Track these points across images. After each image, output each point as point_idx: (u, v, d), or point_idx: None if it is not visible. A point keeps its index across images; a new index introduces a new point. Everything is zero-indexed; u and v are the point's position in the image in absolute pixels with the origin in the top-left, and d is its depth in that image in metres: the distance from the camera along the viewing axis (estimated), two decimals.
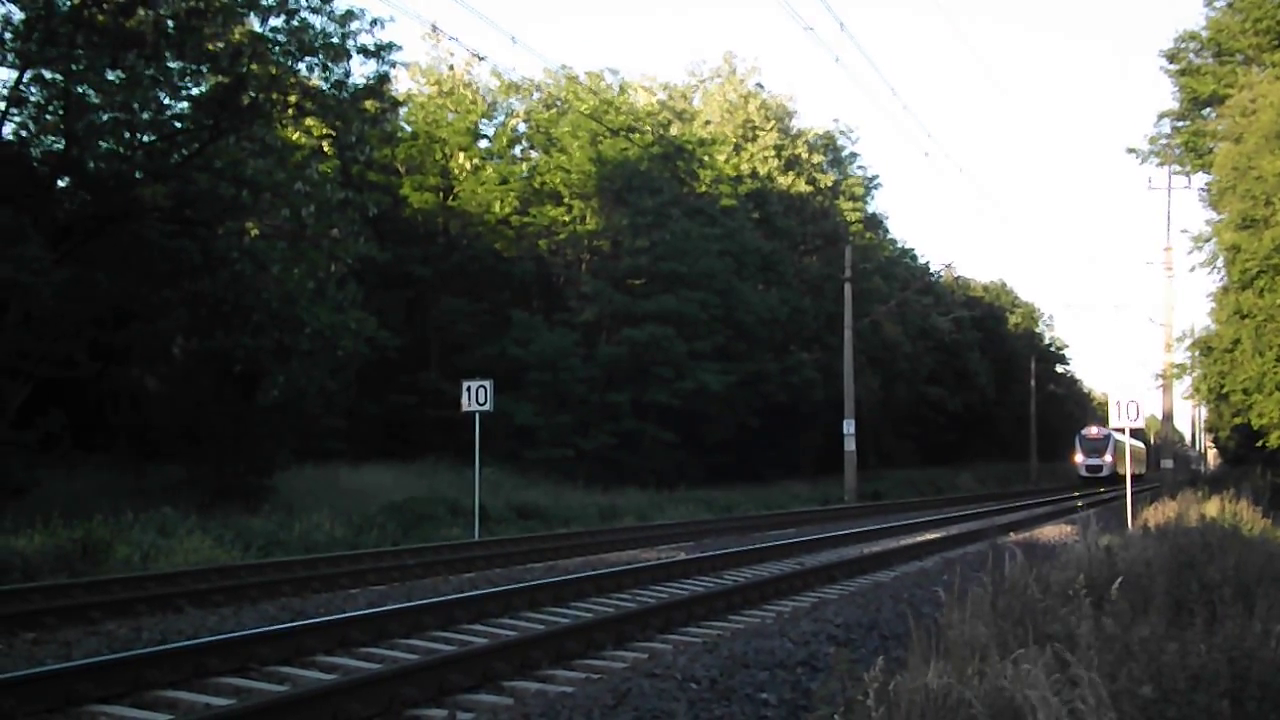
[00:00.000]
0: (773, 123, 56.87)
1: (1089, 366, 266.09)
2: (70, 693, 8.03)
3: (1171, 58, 34.75)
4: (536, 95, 47.84)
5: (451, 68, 46.14)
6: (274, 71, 22.60)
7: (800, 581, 15.85)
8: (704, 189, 48.81)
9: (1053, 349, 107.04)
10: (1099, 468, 70.68)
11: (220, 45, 21.98)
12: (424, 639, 10.90)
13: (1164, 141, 36.82)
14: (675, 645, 10.74)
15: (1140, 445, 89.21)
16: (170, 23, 21.61)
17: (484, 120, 46.44)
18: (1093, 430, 72.53)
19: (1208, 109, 34.47)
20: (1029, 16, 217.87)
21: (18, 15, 20.50)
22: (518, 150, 47.72)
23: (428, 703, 8.42)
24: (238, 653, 9.43)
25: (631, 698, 8.02)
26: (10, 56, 20.52)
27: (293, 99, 23.29)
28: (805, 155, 57.95)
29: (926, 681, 5.40)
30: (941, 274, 71.98)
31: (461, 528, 24.31)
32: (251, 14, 22.29)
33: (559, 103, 46.76)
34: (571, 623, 11.66)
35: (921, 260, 73.73)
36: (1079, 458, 71.78)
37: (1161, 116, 36.59)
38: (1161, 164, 37.98)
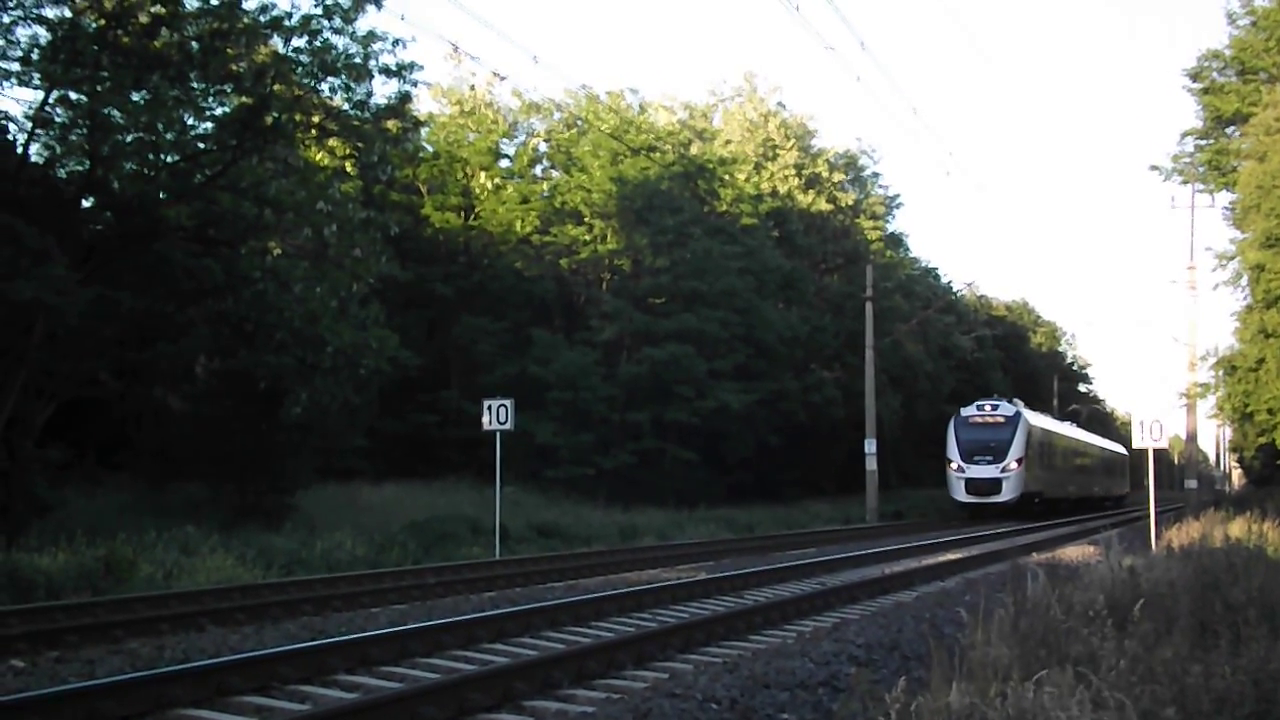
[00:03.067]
0: (793, 141, 56.91)
1: (1112, 386, 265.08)
2: (93, 711, 8.06)
3: (1195, 76, 34.71)
4: (557, 115, 48.01)
5: (473, 88, 46.35)
6: (297, 92, 22.70)
7: (821, 601, 15.79)
8: (724, 208, 48.85)
9: (1075, 368, 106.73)
10: (993, 485, 44.35)
11: (243, 66, 22.09)
12: (445, 658, 10.90)
13: (1187, 160, 36.75)
14: (696, 665, 10.71)
15: (1111, 450, 70.72)
16: (194, 44, 21.73)
17: (505, 140, 46.65)
18: (984, 410, 46.65)
19: (1231, 127, 34.40)
20: (1051, 35, 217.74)
21: (44, 37, 20.68)
22: (538, 170, 47.90)
23: None
24: (260, 671, 9.45)
25: (652, 717, 8.01)
26: (37, 78, 20.68)
27: (315, 119, 23.39)
28: (826, 174, 57.95)
29: (949, 702, 5.38)
30: (963, 292, 71.84)
31: (482, 546, 24.32)
32: (275, 35, 22.41)
33: (580, 122, 46.87)
34: (592, 642, 11.64)
35: (943, 279, 73.53)
36: (955, 465, 45.47)
37: (1185, 135, 36.54)
38: (1185, 182, 37.90)
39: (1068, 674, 5.50)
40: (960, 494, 45.52)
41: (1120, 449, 73.67)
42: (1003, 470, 44.76)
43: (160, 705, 8.48)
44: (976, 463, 44.87)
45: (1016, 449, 45.00)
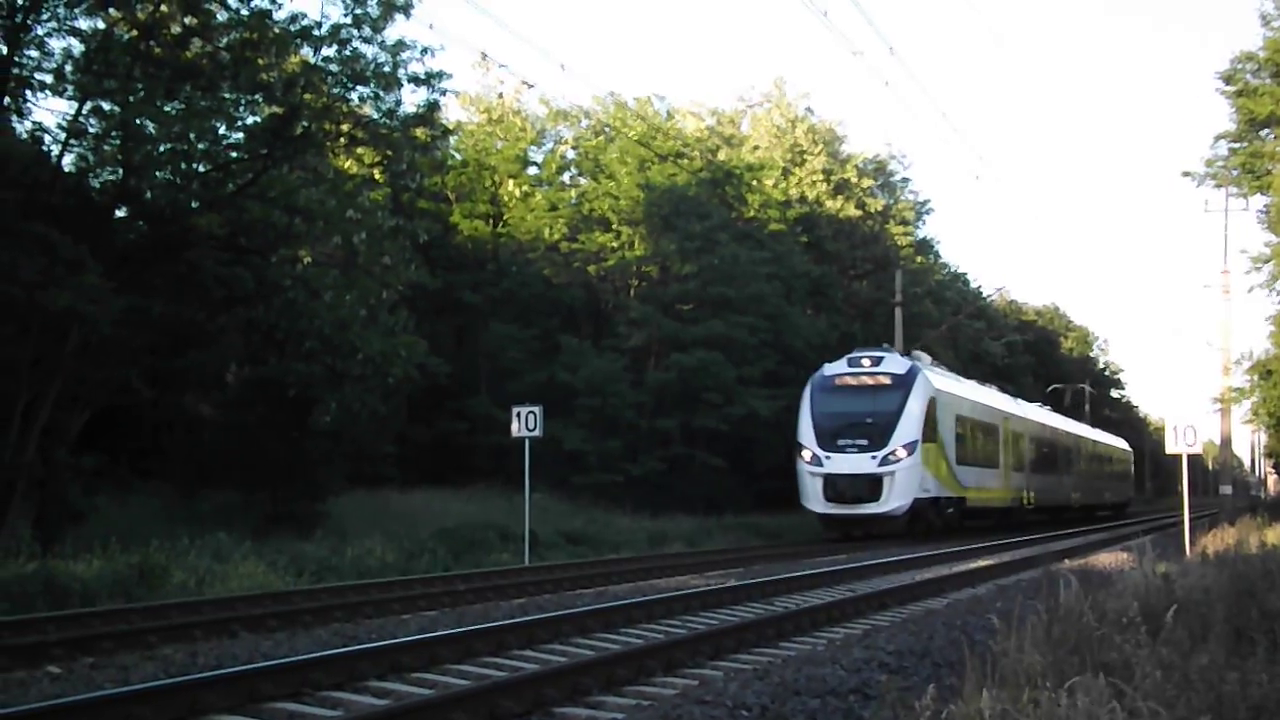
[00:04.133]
0: (821, 147, 56.81)
1: (1145, 391, 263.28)
2: (128, 717, 8.11)
3: (1228, 79, 34.44)
4: (585, 122, 48.09)
5: (501, 96, 46.48)
6: (326, 101, 22.84)
7: (851, 608, 15.73)
8: (752, 214, 48.80)
9: (1108, 373, 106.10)
10: (866, 486, 30.52)
11: (274, 76, 22.24)
12: (475, 664, 10.92)
13: (1221, 164, 36.44)
14: (726, 672, 10.69)
15: (1106, 445, 60.59)
16: (225, 54, 21.91)
17: (533, 147, 46.74)
18: (859, 366, 32.71)
19: (1266, 130, 34.12)
20: (1082, 39, 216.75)
21: (78, 48, 20.87)
22: (566, 177, 47.98)
23: None
24: (292, 677, 9.49)
25: None
26: (70, 89, 20.86)
27: (345, 128, 23.53)
28: (855, 180, 57.82)
29: (981, 709, 5.36)
30: (994, 298, 71.51)
31: (511, 553, 24.36)
32: (305, 45, 22.55)
33: (607, 129, 46.95)
34: (621, 649, 11.64)
35: (974, 284, 73.23)
36: (808, 455, 31.65)
37: (1218, 138, 36.21)
38: (1218, 186, 37.54)
39: (1101, 682, 5.47)
40: (816, 500, 31.21)
41: (1121, 445, 65.13)
42: (884, 462, 30.33)
43: (194, 711, 8.53)
44: (842, 450, 30.90)
45: (908, 427, 30.78)
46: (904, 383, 31.70)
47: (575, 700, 9.38)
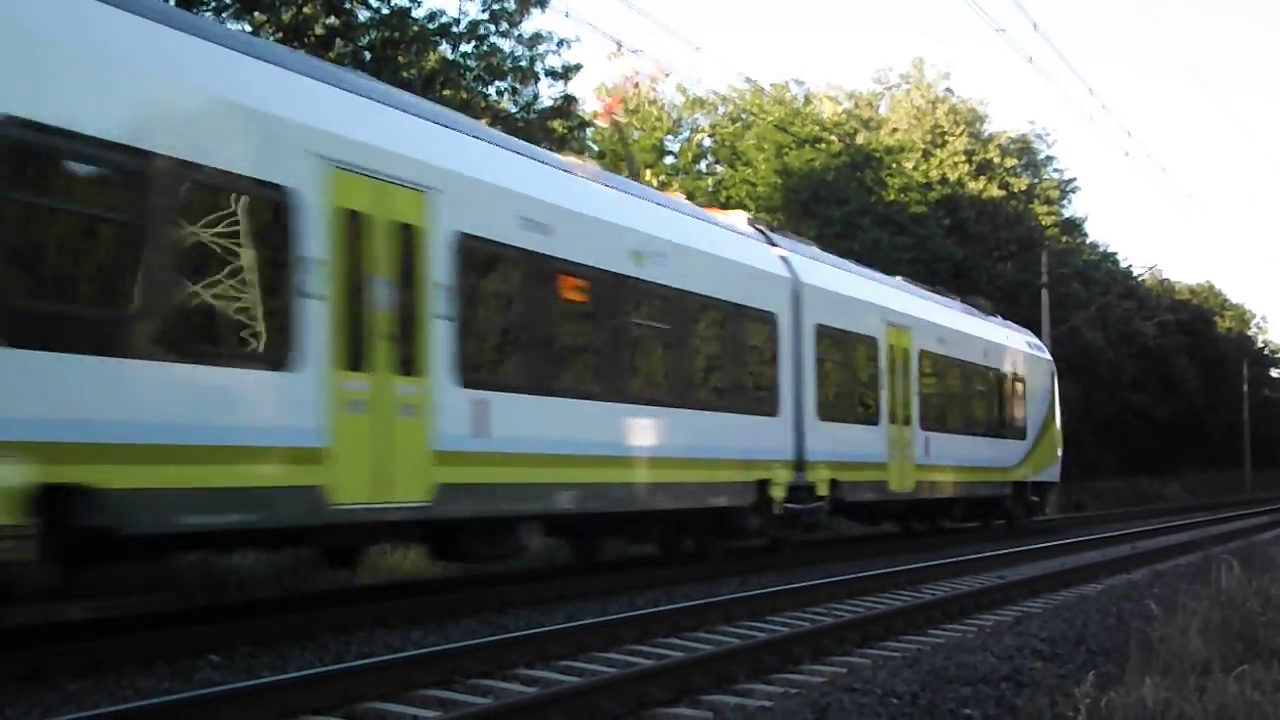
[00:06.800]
0: (963, 127, 55.82)
1: None
2: (285, 703, 8.29)
3: None
4: (721, 109, 47.96)
5: (637, 86, 46.64)
6: (465, 96, 23.17)
7: (1001, 595, 15.45)
8: (892, 197, 48.19)
9: (1267, 352, 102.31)
10: None
11: (413, 73, 22.63)
12: (621, 653, 10.95)
13: None
14: (874, 660, 10.56)
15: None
16: (368, 54, 22.35)
17: (669, 137, 46.80)
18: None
19: None
20: (1232, 5, 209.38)
21: None
22: (703, 165, 47.91)
23: (626, 715, 8.45)
24: (442, 666, 9.61)
25: (831, 712, 7.91)
26: None
27: (483, 122, 23.86)
28: (998, 159, 56.70)
29: (1143, 697, 5.20)
30: (1145, 277, 69.47)
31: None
32: (443, 41, 22.90)
33: (744, 116, 46.78)
34: (768, 637, 11.59)
35: (1123, 263, 71.20)
36: None
37: None
38: None
39: (1274, 669, 5.26)
40: None
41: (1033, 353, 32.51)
42: None
43: (348, 699, 8.68)
44: None
45: None
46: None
47: (722, 688, 9.35)
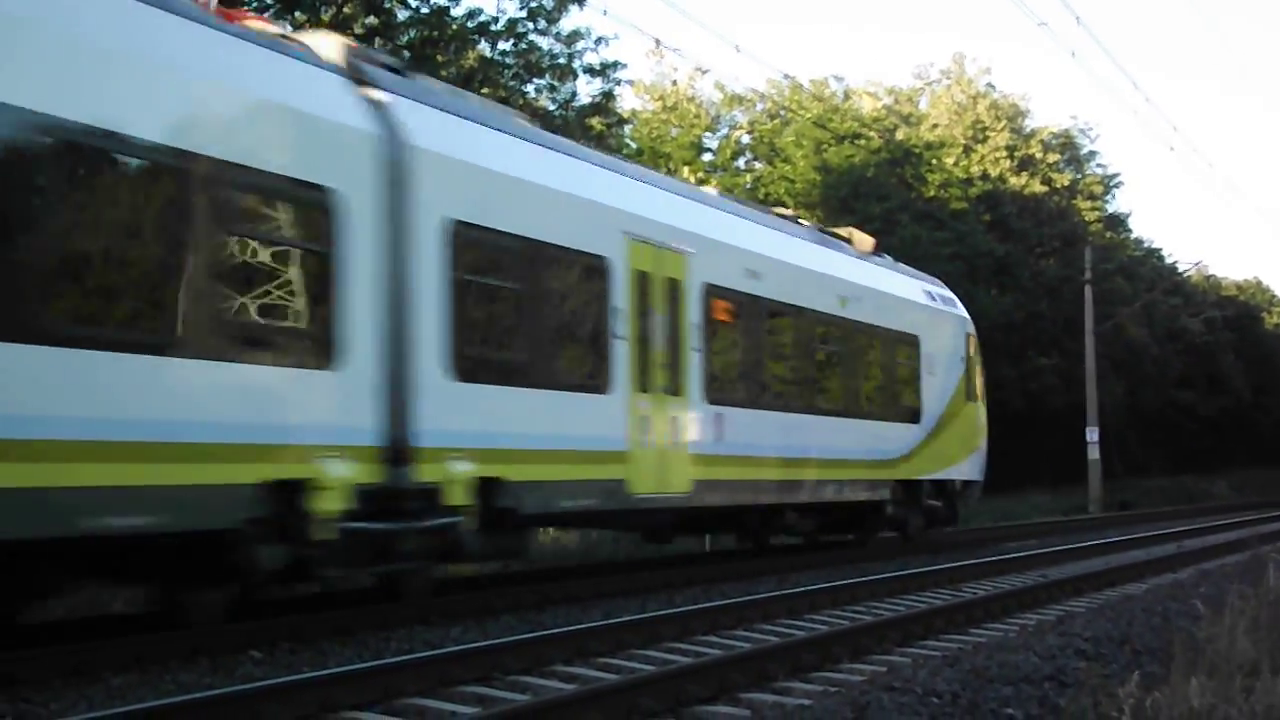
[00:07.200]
0: (1004, 123, 55.42)
1: None
2: (325, 699, 8.32)
3: None
4: (760, 106, 47.86)
5: (674, 83, 46.59)
6: (503, 94, 23.23)
7: (1044, 594, 15.31)
8: (932, 193, 47.93)
9: None
10: None
11: (452, 71, 22.69)
12: (660, 650, 10.92)
13: None
14: (914, 659, 10.48)
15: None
16: (407, 53, 22.44)
17: (707, 134, 46.73)
18: None
19: None
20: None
21: None
22: (741, 162, 47.82)
23: (665, 713, 8.42)
24: (481, 662, 9.62)
25: (871, 711, 7.85)
26: None
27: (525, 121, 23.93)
28: (1040, 155, 56.26)
29: (1188, 697, 5.11)
30: (1190, 272, 68.75)
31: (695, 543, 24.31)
32: (482, 40, 22.95)
33: (783, 112, 46.65)
34: (806, 635, 11.52)
35: (1168, 259, 70.48)
36: None
37: None
38: None
39: None
40: None
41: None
42: None
43: (388, 695, 8.70)
44: None
45: None
46: None
47: (761, 686, 9.30)
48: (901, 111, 55.16)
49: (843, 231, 23.34)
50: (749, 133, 47.58)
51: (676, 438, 15.78)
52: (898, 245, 41.30)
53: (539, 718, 7.75)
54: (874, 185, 42.65)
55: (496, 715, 7.87)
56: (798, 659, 10.03)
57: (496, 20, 22.83)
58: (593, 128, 24.95)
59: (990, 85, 57.47)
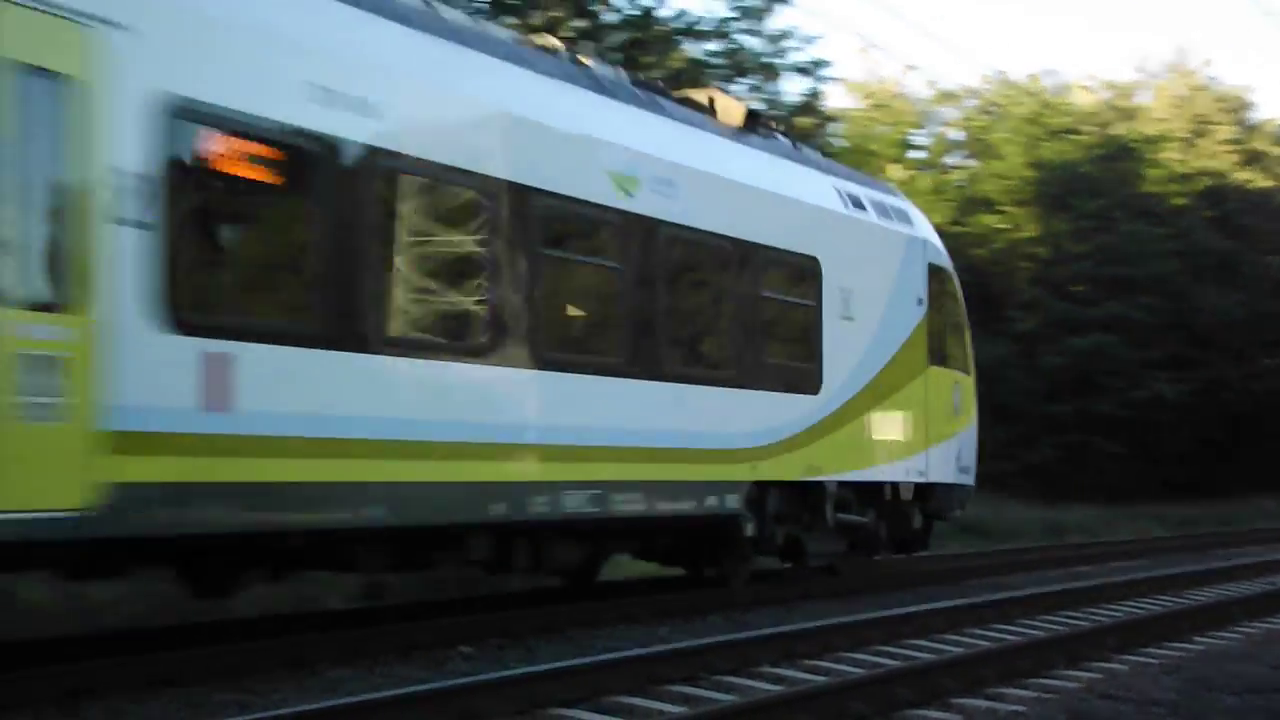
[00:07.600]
0: (1228, 115, 53.20)
1: None
2: (535, 695, 8.51)
3: None
4: (971, 102, 47.01)
5: (882, 80, 46.13)
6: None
7: (1272, 603, 14.68)
8: (1152, 189, 46.31)
9: None
10: None
11: (660, 73, 22.92)
12: (868, 653, 10.86)
13: None
14: (1132, 666, 10.20)
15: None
16: (617, 55, 22.77)
17: (916, 131, 46.11)
18: None
19: None
20: None
21: None
22: (951, 159, 47.06)
23: (874, 715, 8.38)
24: (688, 663, 9.71)
25: (1086, 719, 7.69)
26: None
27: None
28: (1268, 148, 53.79)
29: None
30: None
31: None
32: (689, 40, 23.09)
33: (994, 108, 45.75)
34: (1021, 640, 11.32)
35: None
36: None
37: None
38: None
39: None
40: None
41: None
42: None
43: (596, 692, 8.84)
44: None
45: None
46: None
47: (973, 691, 9.17)
48: (1119, 106, 53.43)
49: (701, 92, 16.33)
50: (960, 129, 46.77)
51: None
52: (1114, 243, 40.11)
53: (748, 718, 7.81)
54: (1089, 181, 41.43)
55: (704, 715, 7.96)
56: (1011, 664, 9.87)
57: (703, 20, 22.96)
58: (801, 127, 24.87)
59: (1212, 77, 55.24)
